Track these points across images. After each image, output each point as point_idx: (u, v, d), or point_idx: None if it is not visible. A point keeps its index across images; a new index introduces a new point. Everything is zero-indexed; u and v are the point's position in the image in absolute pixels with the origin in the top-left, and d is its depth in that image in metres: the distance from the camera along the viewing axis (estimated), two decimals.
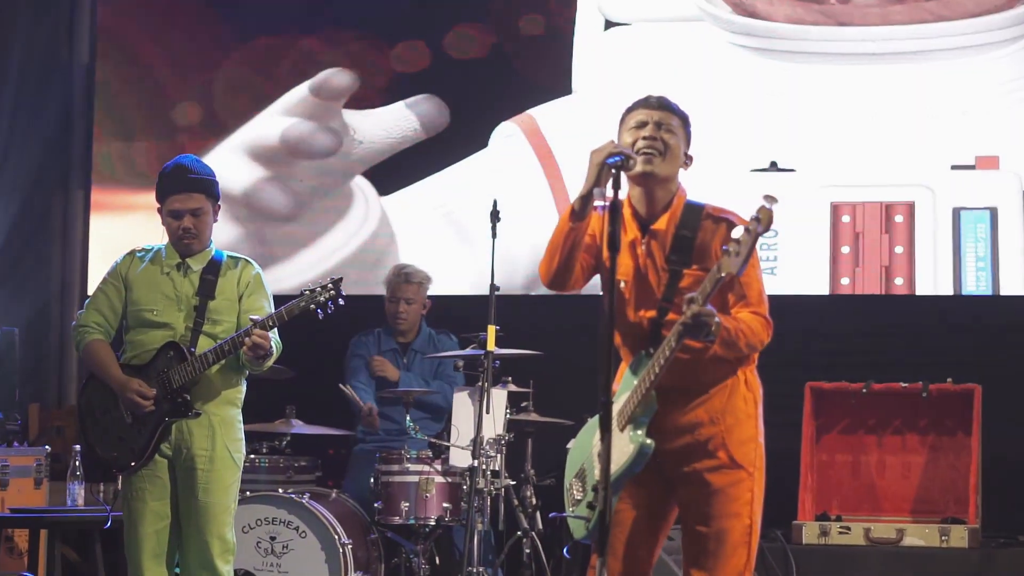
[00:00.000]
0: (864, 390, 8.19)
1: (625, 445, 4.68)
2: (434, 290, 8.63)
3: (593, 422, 4.84)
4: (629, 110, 4.89)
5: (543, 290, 8.88)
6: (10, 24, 9.66)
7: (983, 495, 7.95)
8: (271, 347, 5.70)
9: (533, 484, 8.08)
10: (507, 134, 9.11)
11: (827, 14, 8.74)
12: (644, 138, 4.77)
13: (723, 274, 4.48)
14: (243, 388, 5.94)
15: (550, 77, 9.08)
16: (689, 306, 4.53)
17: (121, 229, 9.45)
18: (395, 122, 9.28)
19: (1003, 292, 8.48)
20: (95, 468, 7.19)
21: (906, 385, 8.17)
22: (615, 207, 4.49)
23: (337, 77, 9.36)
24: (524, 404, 8.03)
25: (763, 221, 4.44)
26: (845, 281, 8.63)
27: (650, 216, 4.84)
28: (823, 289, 8.65)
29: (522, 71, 9.14)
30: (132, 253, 5.99)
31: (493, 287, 7.66)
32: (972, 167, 8.51)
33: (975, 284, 8.50)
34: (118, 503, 6.13)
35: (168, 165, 5.95)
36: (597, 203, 4.63)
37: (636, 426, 4.69)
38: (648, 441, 4.66)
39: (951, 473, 8.14)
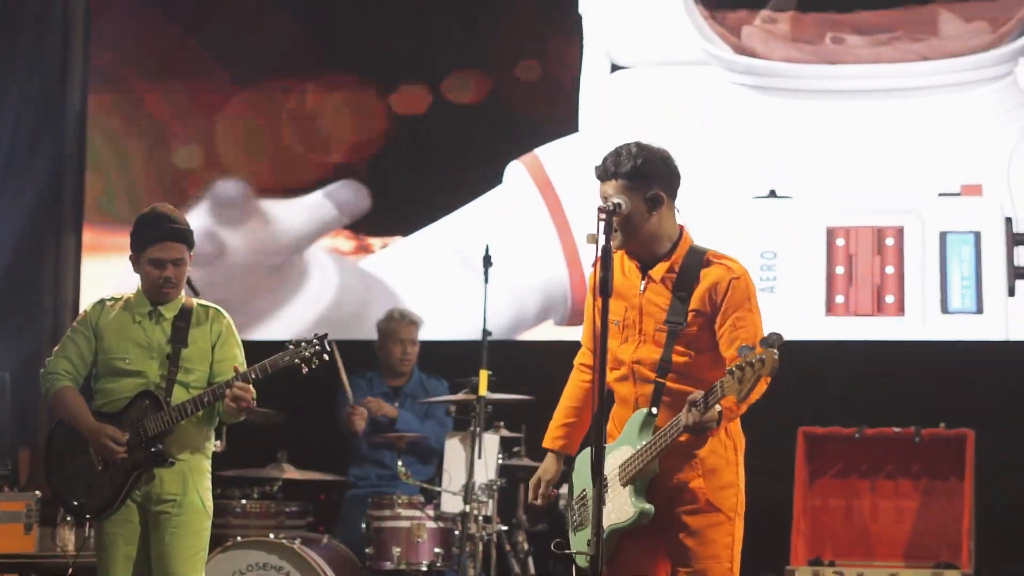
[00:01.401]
0: (857, 435, 8.19)
1: (626, 505, 4.84)
2: (432, 334, 8.64)
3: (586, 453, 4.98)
4: None
5: (535, 335, 9.04)
6: (4, 69, 9.67)
7: (976, 540, 7.93)
8: (253, 400, 5.70)
9: (525, 530, 8.08)
10: (512, 174, 9.21)
11: (820, 54, 9.00)
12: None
13: (723, 394, 4.59)
14: (212, 436, 5.92)
15: (553, 119, 9.22)
16: (690, 411, 4.65)
17: (113, 272, 9.42)
18: (314, 209, 9.46)
19: (986, 310, 8.68)
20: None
21: (899, 430, 8.17)
22: (607, 252, 4.63)
23: (224, 187, 9.56)
24: (516, 449, 8.03)
25: (767, 364, 4.49)
26: (840, 299, 8.87)
27: (650, 261, 4.95)
28: (819, 307, 8.86)
29: (523, 113, 9.26)
30: (102, 302, 5.93)
31: (485, 332, 7.68)
32: (957, 194, 8.78)
33: (960, 302, 8.74)
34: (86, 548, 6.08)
35: (147, 214, 5.87)
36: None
37: (636, 490, 4.84)
38: (648, 507, 4.82)
39: (944, 518, 8.11)
